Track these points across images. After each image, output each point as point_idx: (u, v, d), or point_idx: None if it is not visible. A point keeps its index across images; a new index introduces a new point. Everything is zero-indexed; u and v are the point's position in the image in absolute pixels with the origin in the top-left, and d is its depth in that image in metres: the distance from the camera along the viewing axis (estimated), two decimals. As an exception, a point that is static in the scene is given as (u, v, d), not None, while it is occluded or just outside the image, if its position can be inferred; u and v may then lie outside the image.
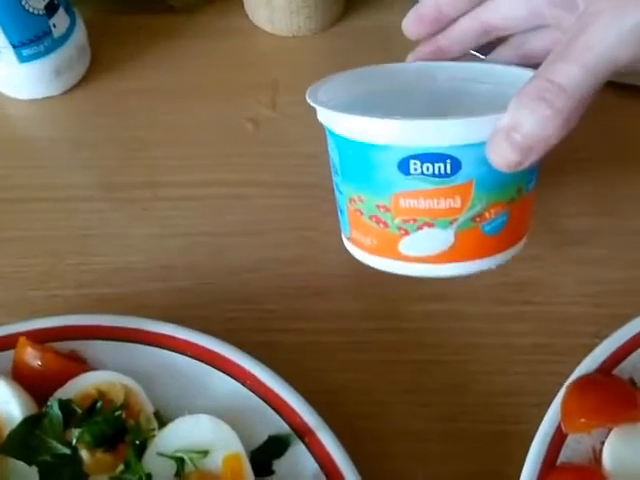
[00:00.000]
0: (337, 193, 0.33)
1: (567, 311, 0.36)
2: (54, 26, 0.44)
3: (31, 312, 0.36)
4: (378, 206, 0.30)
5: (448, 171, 0.29)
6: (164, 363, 0.33)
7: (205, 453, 0.29)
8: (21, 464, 0.29)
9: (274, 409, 0.31)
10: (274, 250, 0.40)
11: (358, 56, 0.48)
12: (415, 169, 0.29)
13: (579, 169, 0.41)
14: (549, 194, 0.40)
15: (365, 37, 0.49)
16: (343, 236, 0.34)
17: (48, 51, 0.44)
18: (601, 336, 0.33)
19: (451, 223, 0.30)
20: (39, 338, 0.33)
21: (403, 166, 0.29)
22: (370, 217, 0.31)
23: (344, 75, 0.35)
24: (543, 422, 0.30)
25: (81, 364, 0.33)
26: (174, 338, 0.33)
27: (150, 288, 0.39)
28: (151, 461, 0.29)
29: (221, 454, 0.29)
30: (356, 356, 0.36)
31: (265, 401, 0.31)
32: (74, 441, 0.29)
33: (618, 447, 0.28)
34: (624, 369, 0.31)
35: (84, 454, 0.29)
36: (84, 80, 0.47)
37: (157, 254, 0.40)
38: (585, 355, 0.32)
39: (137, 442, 0.30)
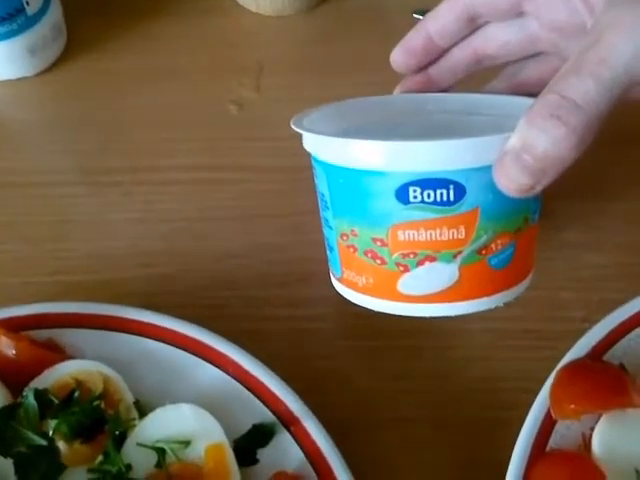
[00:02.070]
0: (326, 229, 0.31)
1: (556, 296, 0.36)
2: (27, 3, 0.42)
3: (5, 299, 0.35)
4: (374, 240, 0.28)
5: (451, 198, 0.26)
6: (145, 351, 0.32)
7: (187, 443, 0.28)
8: (-4, 456, 0.28)
9: (258, 397, 0.30)
10: (258, 236, 0.39)
11: (345, 37, 0.47)
12: (415, 197, 0.26)
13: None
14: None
15: (353, 17, 0.48)
16: (332, 277, 0.32)
17: (21, 29, 0.43)
18: (590, 321, 0.32)
19: (455, 257, 0.27)
20: (14, 326, 0.32)
21: (401, 194, 0.27)
22: (365, 253, 0.29)
23: (327, 108, 0.32)
24: (532, 408, 0.29)
25: (58, 353, 0.32)
26: (155, 326, 0.32)
27: (130, 275, 0.38)
28: (131, 452, 0.28)
29: (203, 444, 0.28)
30: (342, 343, 0.36)
31: (249, 389, 0.31)
32: (51, 432, 0.29)
33: (608, 433, 0.28)
34: (614, 354, 0.30)
35: (61, 445, 0.28)
36: (60, 61, 0.46)
37: (137, 240, 0.39)
38: (574, 340, 0.31)
39: (116, 432, 0.29)
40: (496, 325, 0.35)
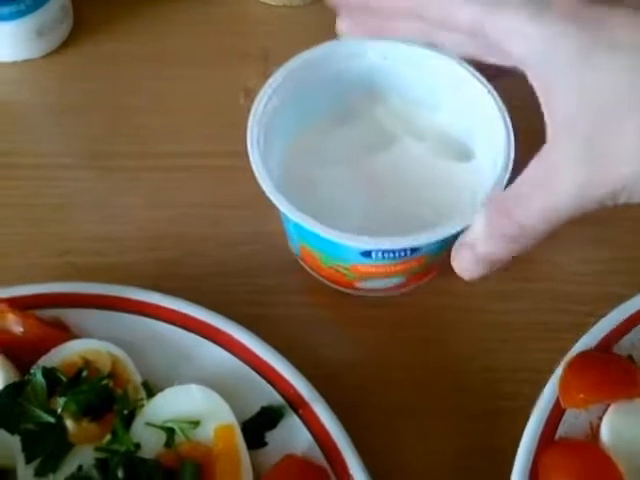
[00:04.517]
0: (286, 228, 0.34)
1: (562, 289, 0.36)
2: (36, -17, 0.42)
3: (12, 281, 0.35)
4: (337, 265, 0.32)
5: (408, 254, 0.31)
6: (153, 333, 0.32)
7: (196, 423, 0.28)
8: (3, 432, 0.28)
9: (267, 381, 0.30)
10: (265, 223, 0.38)
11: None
12: (377, 255, 0.30)
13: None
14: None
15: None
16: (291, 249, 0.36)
17: (29, 10, 0.42)
18: (595, 315, 0.32)
19: (404, 274, 0.33)
20: (21, 305, 0.32)
21: (365, 254, 0.30)
22: (327, 265, 0.33)
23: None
24: (540, 398, 0.29)
25: (66, 332, 0.32)
26: (163, 308, 0.32)
27: (137, 258, 0.37)
28: (140, 431, 0.28)
29: (212, 425, 0.28)
30: (351, 331, 0.36)
31: (258, 372, 0.31)
32: (59, 410, 0.28)
33: (616, 423, 0.28)
34: (622, 347, 0.31)
35: (69, 423, 0.28)
36: (67, 43, 0.45)
37: (144, 224, 0.39)
38: (580, 333, 0.32)
39: (125, 412, 0.28)
40: (501, 318, 0.35)
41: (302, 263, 0.36)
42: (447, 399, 0.33)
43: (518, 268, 0.36)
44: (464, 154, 0.35)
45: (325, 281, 0.35)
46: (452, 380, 0.34)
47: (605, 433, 0.28)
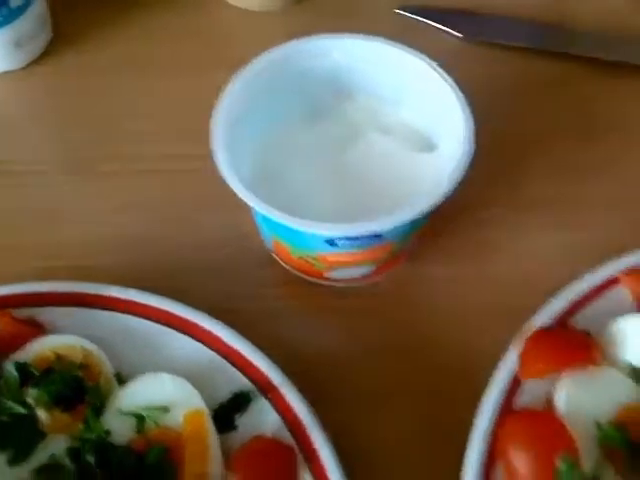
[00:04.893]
0: (257, 223, 0.35)
1: (525, 271, 0.37)
2: (11, -5, 0.43)
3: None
4: (306, 255, 0.33)
5: (372, 241, 0.32)
6: (124, 327, 0.32)
7: (165, 409, 0.29)
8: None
9: (237, 367, 0.31)
10: (239, 220, 0.39)
11: (329, 33, 0.48)
12: (342, 243, 0.31)
13: (541, 140, 0.41)
14: (512, 162, 0.41)
15: (336, 13, 0.48)
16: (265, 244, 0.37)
17: (6, 22, 0.43)
18: (556, 296, 0.33)
19: (373, 263, 0.34)
20: (-4, 304, 0.33)
21: (330, 241, 0.31)
22: (297, 256, 0.34)
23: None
24: (497, 371, 0.30)
25: (39, 329, 0.32)
26: (133, 302, 0.33)
27: (110, 261, 0.38)
28: (111, 419, 0.29)
29: (182, 411, 0.29)
30: (324, 321, 0.36)
31: (228, 360, 0.31)
32: (31, 401, 0.29)
33: (571, 391, 0.29)
34: (579, 322, 0.31)
35: (42, 413, 0.29)
36: (45, 54, 0.46)
37: (121, 227, 0.39)
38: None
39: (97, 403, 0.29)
40: (467, 300, 0.36)
41: (276, 257, 0.37)
42: (417, 383, 0.34)
43: (480, 252, 0.38)
44: (427, 146, 0.36)
45: (297, 272, 0.36)
46: (421, 364, 0.34)
47: (560, 401, 0.29)
